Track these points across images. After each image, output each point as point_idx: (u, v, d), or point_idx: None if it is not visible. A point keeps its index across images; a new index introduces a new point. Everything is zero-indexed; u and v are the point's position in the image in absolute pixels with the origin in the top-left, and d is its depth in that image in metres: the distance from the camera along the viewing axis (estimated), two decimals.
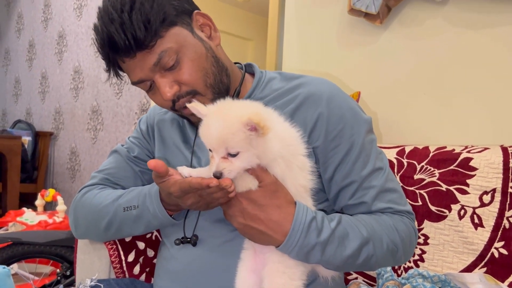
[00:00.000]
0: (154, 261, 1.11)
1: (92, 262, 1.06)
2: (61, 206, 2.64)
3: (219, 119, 0.68)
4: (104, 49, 0.83)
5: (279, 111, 0.80)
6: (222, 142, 0.67)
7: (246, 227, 0.75)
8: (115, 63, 0.86)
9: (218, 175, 0.68)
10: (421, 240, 1.12)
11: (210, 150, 0.71)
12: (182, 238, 0.90)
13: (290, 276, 0.75)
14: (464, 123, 1.36)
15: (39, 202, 2.79)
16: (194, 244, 0.89)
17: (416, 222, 0.91)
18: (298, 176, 0.76)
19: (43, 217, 2.56)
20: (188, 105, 0.74)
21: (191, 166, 0.93)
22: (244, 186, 0.73)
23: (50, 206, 3.23)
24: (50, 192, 2.76)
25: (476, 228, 1.04)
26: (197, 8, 0.90)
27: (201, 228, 0.90)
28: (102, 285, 0.91)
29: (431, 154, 1.14)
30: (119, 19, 0.78)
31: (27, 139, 3.81)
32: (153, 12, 0.79)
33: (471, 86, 1.35)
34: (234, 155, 0.68)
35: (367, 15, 1.53)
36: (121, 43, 0.79)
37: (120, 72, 0.90)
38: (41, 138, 3.88)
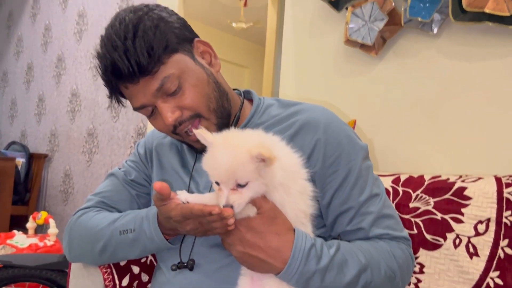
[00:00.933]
0: (149, 286, 1.10)
1: (85, 286, 1.04)
2: (52, 229, 2.59)
3: (227, 151, 0.68)
4: (107, 75, 0.85)
5: (280, 136, 0.81)
6: (231, 174, 0.67)
7: (245, 255, 0.74)
8: (117, 90, 0.88)
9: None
10: (416, 269, 1.11)
11: (216, 182, 0.70)
12: (179, 263, 0.89)
13: None
14: (458, 152, 1.38)
15: (30, 224, 2.74)
16: (191, 269, 0.88)
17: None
18: (298, 201, 0.76)
19: (34, 240, 2.52)
20: (194, 131, 0.75)
21: (189, 191, 0.93)
22: (243, 213, 0.72)
23: (41, 229, 3.18)
24: (42, 214, 2.72)
25: (471, 258, 1.04)
26: (197, 36, 0.93)
27: (198, 253, 0.89)
28: None
29: (426, 183, 1.15)
30: (122, 46, 0.80)
31: (21, 160, 3.79)
32: (156, 39, 0.81)
33: (465, 116, 1.38)
34: (243, 186, 0.69)
35: (363, 46, 1.58)
36: (125, 69, 0.80)
37: (122, 99, 0.91)
38: (35, 160, 3.85)
